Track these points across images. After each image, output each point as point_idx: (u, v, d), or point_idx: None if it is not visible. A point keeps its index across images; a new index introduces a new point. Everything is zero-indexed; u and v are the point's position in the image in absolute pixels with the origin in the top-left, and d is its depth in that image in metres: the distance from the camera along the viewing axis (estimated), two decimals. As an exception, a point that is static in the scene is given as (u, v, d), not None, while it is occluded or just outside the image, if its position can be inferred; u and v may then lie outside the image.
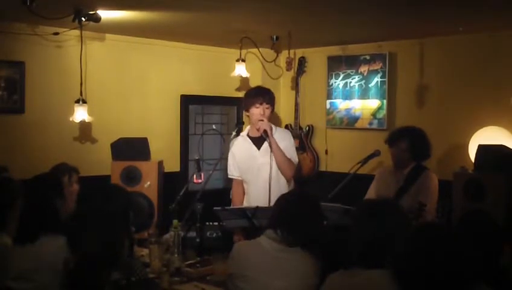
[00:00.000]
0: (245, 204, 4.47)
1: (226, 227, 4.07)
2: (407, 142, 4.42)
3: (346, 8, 4.36)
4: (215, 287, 3.40)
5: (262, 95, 4.44)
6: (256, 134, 4.49)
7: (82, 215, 2.54)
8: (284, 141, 4.46)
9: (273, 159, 4.34)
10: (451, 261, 1.99)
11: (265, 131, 4.35)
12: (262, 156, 4.43)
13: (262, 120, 4.37)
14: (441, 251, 2.01)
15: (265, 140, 4.41)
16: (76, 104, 4.75)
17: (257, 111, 4.41)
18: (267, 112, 4.43)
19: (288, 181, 4.47)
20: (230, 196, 4.71)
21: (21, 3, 3.98)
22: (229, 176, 4.67)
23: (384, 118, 5.88)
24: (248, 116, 4.53)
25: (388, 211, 2.63)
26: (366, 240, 2.52)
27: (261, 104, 4.41)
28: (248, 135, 4.55)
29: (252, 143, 4.50)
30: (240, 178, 4.57)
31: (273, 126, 4.50)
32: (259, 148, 4.46)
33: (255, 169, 4.45)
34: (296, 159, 4.53)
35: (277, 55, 6.20)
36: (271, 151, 4.33)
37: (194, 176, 4.56)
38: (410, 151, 4.42)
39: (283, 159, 4.35)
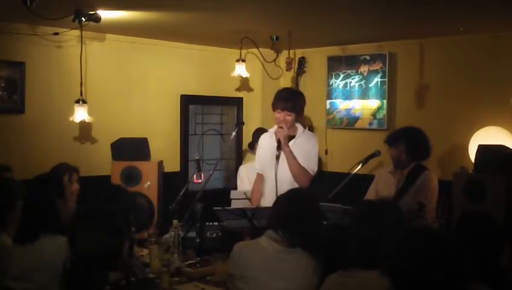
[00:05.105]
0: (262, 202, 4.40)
1: (226, 227, 4.06)
2: (404, 144, 4.42)
3: (346, 8, 4.36)
4: (215, 287, 3.40)
5: (286, 102, 4.28)
6: None
7: (84, 215, 2.53)
8: (305, 147, 4.34)
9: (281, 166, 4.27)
10: (443, 263, 1.98)
11: (279, 140, 4.27)
12: (282, 156, 4.37)
13: (281, 127, 4.26)
14: (430, 252, 2.01)
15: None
16: (76, 104, 4.75)
17: (278, 116, 4.31)
18: (288, 119, 4.28)
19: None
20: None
21: (21, 3, 3.98)
22: (255, 170, 4.61)
23: (384, 118, 5.88)
24: None
25: (387, 211, 2.63)
26: (365, 240, 2.52)
27: (282, 110, 4.28)
28: (275, 133, 4.42)
29: (276, 141, 4.37)
30: (261, 172, 4.49)
31: (300, 129, 4.40)
32: (280, 149, 4.35)
33: (273, 167, 4.33)
34: (315, 168, 4.36)
35: (277, 55, 6.20)
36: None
37: (194, 176, 4.55)
38: (408, 152, 4.42)
39: (297, 170, 4.23)
